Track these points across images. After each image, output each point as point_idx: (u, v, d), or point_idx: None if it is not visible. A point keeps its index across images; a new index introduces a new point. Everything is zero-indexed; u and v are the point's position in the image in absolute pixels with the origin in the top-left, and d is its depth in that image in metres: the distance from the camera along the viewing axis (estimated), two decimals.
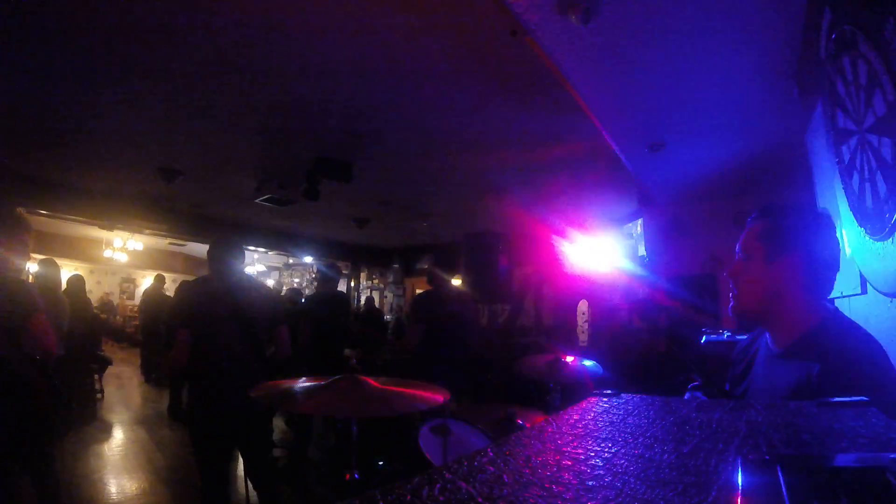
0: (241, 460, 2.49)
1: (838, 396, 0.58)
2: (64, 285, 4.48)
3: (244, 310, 2.34)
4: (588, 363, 2.42)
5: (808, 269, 1.02)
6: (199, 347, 2.23)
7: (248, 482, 2.39)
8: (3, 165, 4.97)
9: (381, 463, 2.35)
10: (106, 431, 4.90)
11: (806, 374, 0.92)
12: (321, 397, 1.39)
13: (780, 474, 0.31)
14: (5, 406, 1.90)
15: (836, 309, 1.09)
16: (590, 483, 0.35)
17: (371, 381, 1.42)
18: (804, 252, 1.03)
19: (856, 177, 1.42)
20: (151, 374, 7.62)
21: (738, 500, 0.30)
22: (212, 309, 2.28)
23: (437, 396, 1.38)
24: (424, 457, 1.90)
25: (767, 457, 0.35)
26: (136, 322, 12.67)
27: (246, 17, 2.42)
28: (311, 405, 1.44)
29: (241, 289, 2.40)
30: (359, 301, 10.28)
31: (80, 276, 5.09)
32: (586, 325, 5.33)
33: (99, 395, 5.86)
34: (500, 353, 4.89)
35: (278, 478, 2.57)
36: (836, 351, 0.92)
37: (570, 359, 2.39)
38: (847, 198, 1.57)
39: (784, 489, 0.29)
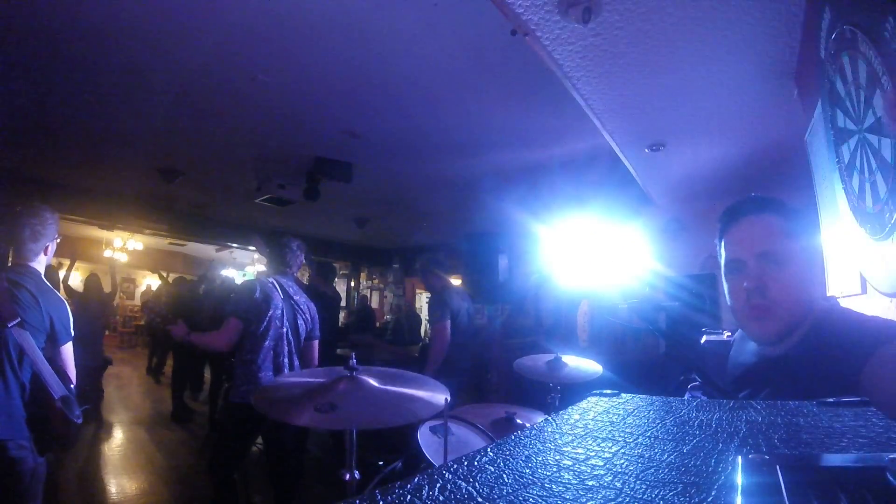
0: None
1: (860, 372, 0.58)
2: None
3: (303, 316, 2.61)
4: (588, 363, 2.41)
5: (815, 265, 1.02)
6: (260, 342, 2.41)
7: (248, 485, 2.39)
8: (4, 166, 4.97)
9: (381, 463, 2.34)
10: (106, 431, 4.90)
11: (830, 366, 0.90)
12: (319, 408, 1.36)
13: (780, 474, 0.31)
14: None
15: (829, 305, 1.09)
16: (590, 483, 0.35)
17: (371, 382, 1.42)
18: (814, 248, 1.02)
19: (856, 177, 1.42)
20: (160, 375, 7.61)
21: (738, 500, 0.30)
22: (285, 308, 2.52)
23: (438, 397, 1.38)
24: (424, 457, 1.90)
25: (767, 457, 0.35)
26: (137, 322, 12.68)
27: (246, 18, 2.42)
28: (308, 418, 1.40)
29: (299, 295, 2.66)
30: (357, 301, 10.27)
31: (97, 276, 5.13)
32: (586, 325, 5.32)
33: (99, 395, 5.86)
34: (500, 353, 4.88)
35: (298, 476, 2.60)
36: (843, 335, 0.91)
37: (569, 359, 2.39)
38: (847, 198, 1.57)
39: (784, 489, 0.29)
